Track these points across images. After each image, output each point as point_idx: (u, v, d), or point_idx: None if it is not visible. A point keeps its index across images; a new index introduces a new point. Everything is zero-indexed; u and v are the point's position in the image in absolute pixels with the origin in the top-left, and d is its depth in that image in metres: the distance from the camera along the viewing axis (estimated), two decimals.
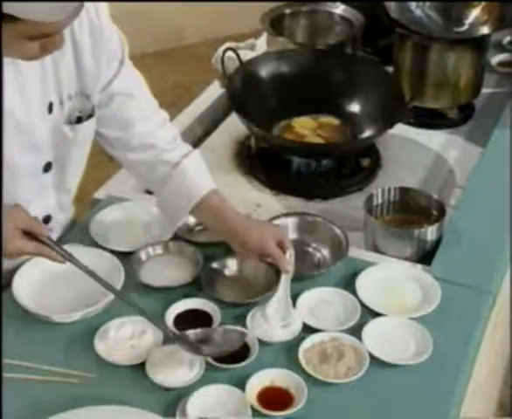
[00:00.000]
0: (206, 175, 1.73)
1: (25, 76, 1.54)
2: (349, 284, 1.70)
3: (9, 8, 1.31)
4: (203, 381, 1.46)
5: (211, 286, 1.68)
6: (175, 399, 1.44)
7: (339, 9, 2.58)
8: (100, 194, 1.97)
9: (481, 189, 2.00)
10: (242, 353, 1.52)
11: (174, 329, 1.56)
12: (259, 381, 1.47)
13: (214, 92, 2.43)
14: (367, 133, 2.20)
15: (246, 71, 2.25)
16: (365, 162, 2.17)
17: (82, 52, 1.60)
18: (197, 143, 2.22)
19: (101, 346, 1.53)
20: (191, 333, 1.52)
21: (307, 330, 1.58)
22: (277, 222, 1.83)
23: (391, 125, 2.10)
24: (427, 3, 2.35)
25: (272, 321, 1.59)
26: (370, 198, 1.89)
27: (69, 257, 1.55)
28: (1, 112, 1.51)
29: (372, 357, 1.52)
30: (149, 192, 1.95)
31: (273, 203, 2.04)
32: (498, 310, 1.82)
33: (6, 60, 1.48)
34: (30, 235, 1.53)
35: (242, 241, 1.67)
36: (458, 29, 2.32)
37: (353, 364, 1.51)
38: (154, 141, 1.71)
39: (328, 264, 1.77)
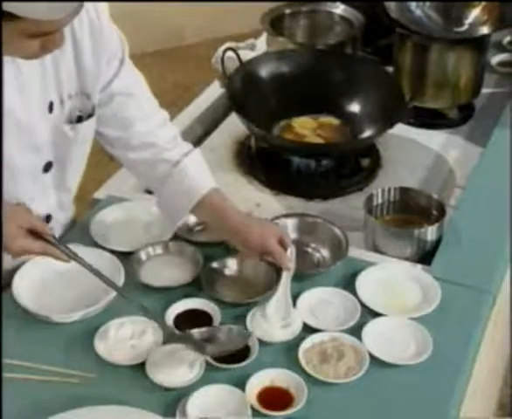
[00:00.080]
0: (207, 173, 1.73)
1: (25, 75, 1.54)
2: (349, 284, 1.70)
3: (9, 6, 1.32)
4: (203, 381, 1.46)
5: (211, 286, 1.68)
6: (175, 399, 1.44)
7: (339, 9, 2.58)
8: (100, 194, 1.97)
9: (481, 189, 2.00)
10: (242, 353, 1.52)
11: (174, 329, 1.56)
12: (259, 381, 1.47)
13: (214, 92, 2.43)
14: (367, 133, 2.20)
15: (246, 71, 2.25)
16: (365, 162, 2.17)
17: (82, 51, 1.61)
18: (197, 143, 2.22)
19: (101, 346, 1.53)
20: (196, 331, 1.52)
21: (307, 330, 1.58)
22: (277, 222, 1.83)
23: (391, 125, 2.10)
24: (427, 3, 2.35)
25: (272, 319, 1.59)
26: (370, 198, 1.89)
27: (73, 256, 1.55)
28: (1, 111, 1.51)
29: (372, 357, 1.52)
30: (149, 192, 1.95)
31: (273, 203, 2.04)
32: (498, 310, 1.82)
33: (6, 59, 1.48)
34: (34, 234, 1.53)
35: (244, 239, 1.67)
36: (458, 29, 2.32)
37: (353, 364, 1.51)
38: (154, 140, 1.71)
39: (328, 265, 1.77)
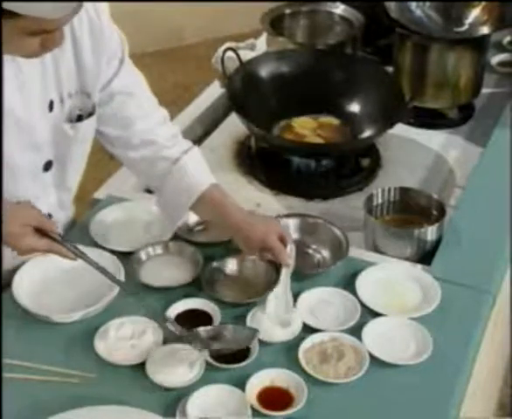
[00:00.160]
0: (206, 170, 1.74)
1: (26, 73, 1.54)
2: (349, 284, 1.70)
3: (10, 4, 1.32)
4: (203, 381, 1.46)
5: (211, 286, 1.68)
6: (175, 399, 1.44)
7: (339, 9, 2.58)
8: (100, 194, 1.97)
9: (481, 189, 2.00)
10: (242, 353, 1.52)
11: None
12: (259, 381, 1.47)
13: (214, 92, 2.43)
14: (367, 133, 2.20)
15: (246, 71, 2.25)
16: (365, 162, 2.17)
17: (82, 50, 1.61)
18: (197, 143, 2.20)
19: (101, 346, 1.53)
20: (202, 329, 1.53)
21: (307, 330, 1.58)
22: None
23: (391, 125, 2.10)
24: (427, 3, 2.35)
25: (272, 315, 1.59)
26: (370, 198, 1.89)
27: (79, 254, 1.56)
28: (1, 110, 1.51)
29: (372, 357, 1.52)
30: (149, 192, 1.95)
31: (273, 203, 2.04)
32: (498, 310, 1.82)
33: (6, 57, 1.48)
34: (40, 232, 1.53)
35: (245, 236, 1.67)
36: (458, 29, 2.32)
37: (353, 364, 1.51)
38: (154, 138, 1.72)
39: (328, 265, 1.77)
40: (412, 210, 1.90)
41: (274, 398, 1.45)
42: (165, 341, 1.54)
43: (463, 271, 1.75)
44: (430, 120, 2.36)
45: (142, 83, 1.74)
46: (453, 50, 2.27)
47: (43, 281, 1.68)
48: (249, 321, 1.59)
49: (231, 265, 1.73)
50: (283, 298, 1.62)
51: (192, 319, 1.59)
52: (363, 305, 1.64)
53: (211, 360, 1.50)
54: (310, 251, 1.82)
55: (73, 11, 1.40)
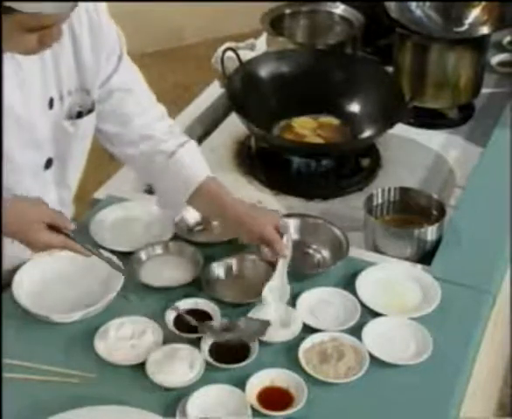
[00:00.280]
0: (203, 163, 1.74)
1: (25, 71, 1.54)
2: (349, 284, 1.70)
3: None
4: (203, 381, 1.46)
5: (211, 286, 1.68)
6: (175, 399, 1.44)
7: (339, 9, 2.58)
8: (100, 194, 1.97)
9: (481, 189, 2.00)
10: (242, 353, 1.52)
11: (174, 329, 1.56)
12: (259, 381, 1.47)
13: (214, 92, 2.43)
14: (367, 133, 2.20)
15: (246, 71, 2.25)
16: (365, 162, 2.17)
17: (81, 47, 1.61)
18: (197, 143, 2.22)
19: (101, 346, 1.53)
20: (215, 322, 1.55)
21: (307, 330, 1.58)
22: None
23: (391, 125, 2.10)
24: (427, 3, 2.35)
25: (267, 305, 1.60)
26: (370, 198, 1.89)
27: (93, 250, 1.57)
28: (1, 107, 1.51)
29: (372, 357, 1.52)
30: (149, 192, 1.96)
31: (273, 203, 2.04)
32: (498, 310, 1.82)
33: (6, 55, 1.48)
34: (53, 228, 1.54)
35: (243, 226, 1.68)
36: (458, 29, 2.32)
37: (353, 364, 1.51)
38: (151, 133, 1.73)
39: (329, 265, 1.77)
40: (412, 210, 1.91)
41: (274, 398, 1.45)
42: (165, 341, 1.54)
43: (463, 271, 1.74)
44: (430, 120, 2.36)
45: (140, 79, 1.75)
46: (453, 50, 2.27)
47: (43, 281, 1.68)
48: None
49: (231, 265, 1.73)
50: (279, 288, 1.62)
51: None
52: (363, 305, 1.64)
53: (210, 360, 1.50)
54: (310, 251, 1.82)
55: (71, 7, 1.41)
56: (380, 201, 1.91)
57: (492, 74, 2.54)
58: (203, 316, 1.60)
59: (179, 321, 1.59)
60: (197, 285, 1.68)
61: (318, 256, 1.81)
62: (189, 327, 1.56)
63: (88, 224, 1.82)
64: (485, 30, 2.28)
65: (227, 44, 2.40)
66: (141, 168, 1.79)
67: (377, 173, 2.15)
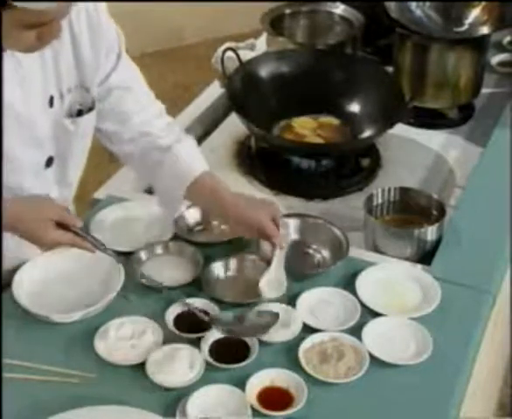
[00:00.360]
0: (199, 158, 1.75)
1: (25, 68, 1.55)
2: (349, 284, 1.70)
3: None
4: (203, 381, 1.46)
5: (211, 286, 1.68)
6: (175, 399, 1.44)
7: (339, 9, 2.58)
8: (100, 194, 1.97)
9: (481, 189, 2.00)
10: (242, 353, 1.52)
11: (174, 329, 1.56)
12: (259, 381, 1.47)
13: (214, 92, 2.43)
14: (367, 133, 2.20)
15: (246, 71, 2.25)
16: (365, 162, 2.17)
17: (81, 45, 1.61)
18: (196, 143, 2.22)
19: (101, 346, 1.53)
20: (226, 314, 1.55)
21: (307, 330, 1.58)
22: None
23: (391, 125, 2.10)
24: (427, 3, 2.35)
25: (264, 294, 1.60)
26: (370, 198, 1.89)
27: (102, 247, 1.59)
28: (1, 106, 1.51)
29: (372, 357, 1.52)
30: (149, 192, 1.96)
31: None
32: (498, 310, 1.82)
33: (6, 53, 1.49)
34: (61, 226, 1.55)
35: (239, 219, 1.68)
36: (458, 29, 2.32)
37: (353, 364, 1.51)
38: (149, 129, 1.74)
39: (329, 265, 1.77)
40: (412, 210, 1.91)
41: (274, 398, 1.45)
42: (165, 341, 1.54)
43: (463, 271, 1.75)
44: (430, 120, 2.36)
45: (139, 77, 1.75)
46: (453, 50, 2.27)
47: (43, 281, 1.68)
48: None
49: (231, 265, 1.73)
50: (276, 279, 1.62)
51: (192, 319, 1.59)
52: (363, 305, 1.64)
53: (210, 360, 1.50)
54: (310, 251, 1.82)
55: (67, 5, 1.41)
56: (380, 201, 1.91)
57: (492, 74, 2.54)
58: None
59: (179, 321, 1.59)
60: (197, 285, 1.68)
61: (318, 256, 1.81)
62: (189, 327, 1.56)
63: (88, 224, 1.82)
64: (485, 30, 2.28)
65: (227, 44, 2.40)
66: (140, 166, 1.80)
67: (377, 173, 2.15)
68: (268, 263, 1.69)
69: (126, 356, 1.51)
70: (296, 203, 2.04)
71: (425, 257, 1.80)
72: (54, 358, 1.52)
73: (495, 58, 2.62)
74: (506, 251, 1.84)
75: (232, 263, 1.74)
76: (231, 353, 1.52)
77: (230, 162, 2.19)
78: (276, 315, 1.57)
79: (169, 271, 1.73)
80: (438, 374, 1.51)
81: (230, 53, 2.25)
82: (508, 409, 2.68)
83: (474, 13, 2.33)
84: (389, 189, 1.92)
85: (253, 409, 1.42)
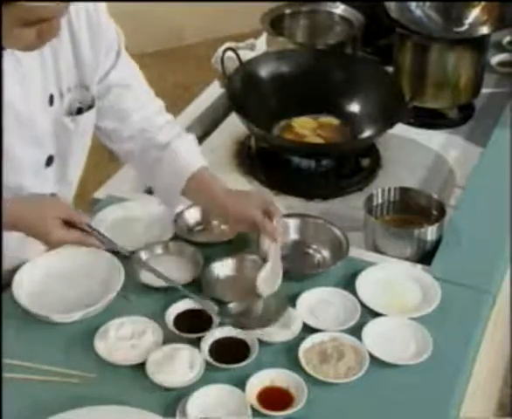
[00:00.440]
0: (198, 154, 1.75)
1: (25, 67, 1.55)
2: (349, 284, 1.70)
3: None
4: (203, 381, 1.46)
5: (211, 286, 1.68)
6: (175, 399, 1.44)
7: (339, 9, 2.58)
8: (100, 194, 1.97)
9: (481, 189, 2.00)
10: (242, 353, 1.52)
11: (174, 329, 1.56)
12: (259, 381, 1.47)
13: (214, 92, 2.43)
14: (367, 133, 2.20)
15: (246, 71, 2.25)
16: (365, 162, 2.17)
17: (80, 44, 1.62)
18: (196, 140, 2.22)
19: (101, 346, 1.53)
20: (231, 306, 1.56)
21: (307, 330, 1.58)
22: None
23: (391, 125, 2.10)
24: (427, 3, 2.35)
25: (260, 290, 1.60)
26: (370, 198, 1.89)
27: (108, 243, 1.60)
28: (1, 105, 1.51)
29: (372, 357, 1.52)
30: (149, 192, 1.96)
31: None
32: (498, 310, 1.82)
33: (6, 51, 1.49)
34: (69, 224, 1.56)
35: (230, 214, 1.69)
36: (458, 29, 2.32)
37: (353, 364, 1.51)
38: (148, 127, 1.74)
39: (329, 265, 1.77)
40: (412, 210, 1.91)
41: (274, 398, 1.45)
42: (165, 341, 1.54)
43: (463, 271, 1.74)
44: (430, 120, 2.36)
45: (139, 75, 1.76)
46: (453, 50, 2.27)
47: (43, 281, 1.68)
48: None
49: (231, 265, 1.73)
50: (271, 273, 1.62)
51: (192, 319, 1.59)
52: (363, 305, 1.64)
53: (210, 360, 1.50)
54: (310, 251, 1.82)
55: (65, 5, 1.42)
56: (380, 201, 1.91)
57: (492, 74, 2.54)
58: (203, 316, 1.60)
59: (179, 321, 1.59)
60: (197, 285, 1.68)
61: (318, 256, 1.81)
62: (189, 327, 1.56)
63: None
64: (485, 30, 2.28)
65: (227, 44, 2.40)
66: (139, 164, 1.80)
67: (377, 173, 2.15)
68: (265, 260, 1.69)
69: (126, 356, 1.51)
70: (296, 203, 2.04)
71: (425, 257, 1.80)
72: (54, 358, 1.52)
73: (495, 58, 2.62)
74: (506, 251, 1.84)
75: (232, 263, 1.74)
76: (231, 353, 1.52)
77: (230, 162, 2.19)
78: (285, 301, 1.56)
79: (169, 271, 1.72)
80: (438, 374, 1.51)
81: (230, 53, 2.25)
82: (508, 409, 2.68)
83: (474, 13, 2.33)
84: (389, 189, 1.92)
85: (253, 409, 1.42)
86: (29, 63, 1.55)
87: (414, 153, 2.25)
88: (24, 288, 1.64)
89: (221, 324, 1.58)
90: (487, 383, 2.21)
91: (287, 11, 2.59)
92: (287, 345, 1.56)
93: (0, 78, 1.50)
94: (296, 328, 1.58)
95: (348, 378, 1.49)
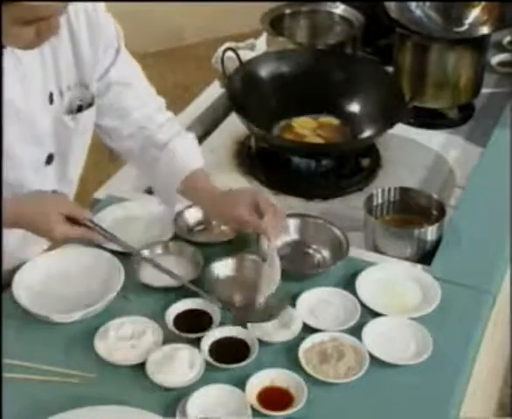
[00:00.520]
0: (196, 154, 1.75)
1: (25, 65, 1.55)
2: (349, 284, 1.70)
3: None
4: (203, 381, 1.46)
5: (211, 286, 1.68)
6: (175, 399, 1.44)
7: (339, 9, 2.58)
8: (100, 194, 1.97)
9: (481, 189, 2.00)
10: (242, 353, 1.52)
11: (174, 329, 1.56)
12: (259, 381, 1.47)
13: (214, 92, 2.43)
14: (367, 133, 2.20)
15: (246, 71, 2.25)
16: (365, 162, 2.17)
17: (79, 42, 1.62)
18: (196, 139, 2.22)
19: (101, 346, 1.53)
20: (237, 300, 1.59)
21: (307, 330, 1.58)
22: None
23: (391, 125, 2.10)
24: (427, 3, 2.35)
25: (260, 288, 1.60)
26: (370, 198, 1.89)
27: (112, 238, 1.62)
28: (1, 104, 1.51)
29: (372, 357, 1.52)
30: (149, 192, 1.96)
31: None
32: (498, 310, 1.82)
33: (6, 49, 1.49)
34: (71, 219, 1.57)
35: (222, 216, 1.70)
36: (458, 29, 2.32)
37: (353, 364, 1.51)
38: (148, 124, 1.75)
39: (329, 265, 1.77)
40: (412, 210, 1.91)
41: (274, 398, 1.45)
42: (165, 341, 1.54)
43: (463, 271, 1.74)
44: (430, 120, 2.36)
45: (139, 73, 1.76)
46: (453, 50, 2.27)
47: (43, 281, 1.68)
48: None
49: (231, 265, 1.73)
50: (268, 270, 1.62)
51: (192, 319, 1.59)
52: (363, 305, 1.64)
53: (210, 360, 1.50)
54: (310, 251, 1.82)
55: (64, 5, 1.42)
56: (380, 201, 1.91)
57: (492, 74, 2.54)
58: (203, 316, 1.60)
59: (179, 321, 1.59)
60: (198, 285, 1.68)
61: (318, 256, 1.81)
62: (189, 327, 1.56)
63: None
64: (485, 30, 2.28)
65: (227, 44, 2.40)
66: (140, 162, 1.80)
67: (377, 173, 2.15)
68: (264, 259, 1.68)
69: (126, 356, 1.51)
70: (296, 203, 2.04)
71: (425, 257, 1.80)
72: (54, 358, 1.52)
73: (495, 58, 2.63)
74: (506, 251, 1.84)
75: (232, 263, 1.74)
76: (231, 353, 1.52)
77: (230, 162, 2.19)
78: (284, 301, 1.56)
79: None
80: (438, 374, 1.51)
81: (230, 53, 2.25)
82: (508, 409, 2.68)
83: (474, 13, 2.33)
84: (389, 189, 1.92)
85: (253, 409, 1.42)
86: (29, 61, 1.55)
87: (414, 153, 2.25)
88: (24, 288, 1.64)
89: (221, 324, 1.58)
90: (487, 383, 2.21)
91: (287, 11, 2.59)
92: (287, 345, 1.56)
93: (0, 76, 1.50)
94: (296, 328, 1.58)
95: (348, 378, 1.49)
